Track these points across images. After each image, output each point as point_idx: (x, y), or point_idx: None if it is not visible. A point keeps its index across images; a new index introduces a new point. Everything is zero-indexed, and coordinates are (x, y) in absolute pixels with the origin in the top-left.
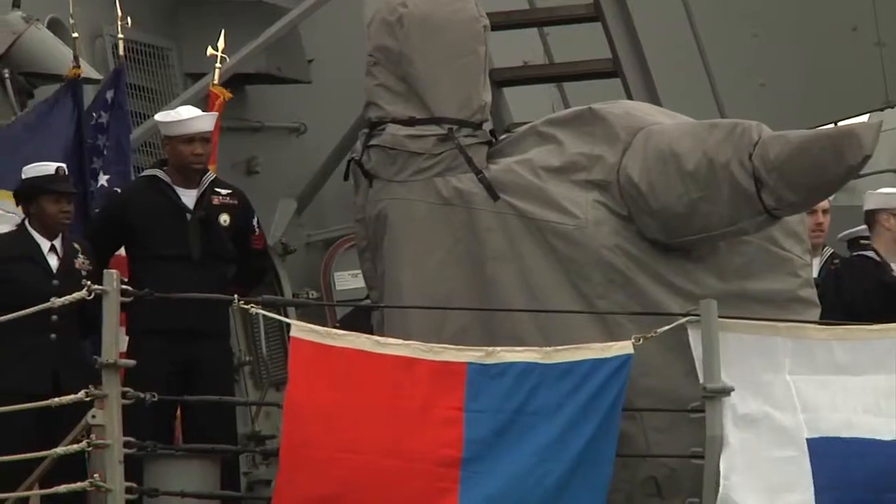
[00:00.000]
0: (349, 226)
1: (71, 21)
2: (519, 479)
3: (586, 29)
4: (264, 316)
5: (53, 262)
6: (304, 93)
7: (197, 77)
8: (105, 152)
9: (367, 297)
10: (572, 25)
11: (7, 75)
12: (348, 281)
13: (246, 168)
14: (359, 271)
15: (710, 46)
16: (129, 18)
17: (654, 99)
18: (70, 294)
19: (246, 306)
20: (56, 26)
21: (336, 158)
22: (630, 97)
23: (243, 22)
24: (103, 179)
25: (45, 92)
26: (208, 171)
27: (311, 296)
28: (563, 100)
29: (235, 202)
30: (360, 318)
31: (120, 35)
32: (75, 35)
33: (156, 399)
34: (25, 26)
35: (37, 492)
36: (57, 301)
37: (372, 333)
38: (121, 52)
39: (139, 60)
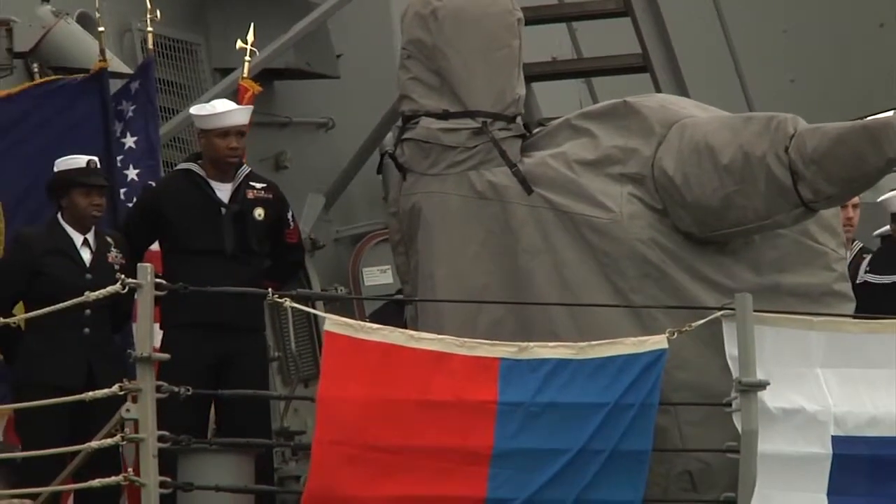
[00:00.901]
0: (377, 221)
1: (97, 14)
2: (552, 474)
3: (614, 24)
4: (293, 311)
5: (87, 256)
6: (332, 88)
7: (225, 72)
8: (123, 141)
9: (398, 291)
10: (600, 21)
11: (36, 69)
12: (377, 276)
13: (274, 163)
14: (387, 267)
15: (738, 42)
16: (158, 12)
17: (683, 94)
18: (103, 288)
19: (280, 300)
20: (85, 20)
21: (364, 154)
22: (659, 92)
23: (272, 17)
24: (133, 174)
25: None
26: (243, 164)
27: (339, 291)
28: (592, 95)
29: (270, 196)
30: (390, 314)
31: (149, 28)
32: (101, 28)
33: (190, 393)
34: (55, 20)
35: (71, 486)
36: (91, 295)
37: (404, 328)
38: (150, 45)
39: (167, 55)
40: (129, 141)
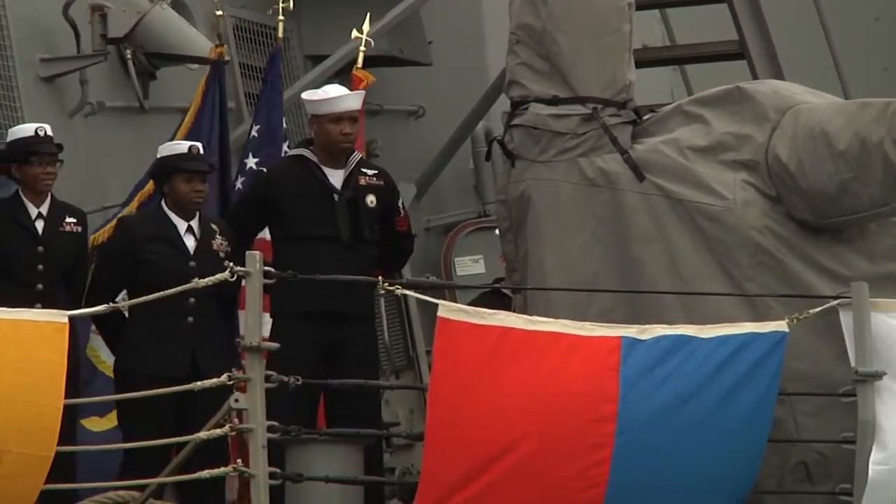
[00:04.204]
0: (468, 210)
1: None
2: (672, 451)
3: (704, 11)
4: (385, 302)
5: (190, 242)
6: (422, 75)
7: (316, 59)
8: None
9: (496, 280)
10: (692, 7)
11: (129, 56)
12: (469, 266)
13: (365, 151)
14: (479, 256)
15: (833, 29)
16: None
17: None
18: (207, 276)
19: (391, 288)
20: (179, 6)
21: (455, 142)
22: (756, 79)
23: (362, 4)
24: (252, 162)
25: (166, 73)
26: (355, 151)
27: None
28: (686, 82)
29: (381, 183)
30: (485, 305)
31: (281, 17)
32: (219, 13)
33: (300, 383)
34: (150, 6)
35: (181, 477)
36: (200, 282)
37: None
38: (280, 32)
39: (257, 42)
40: (252, 129)
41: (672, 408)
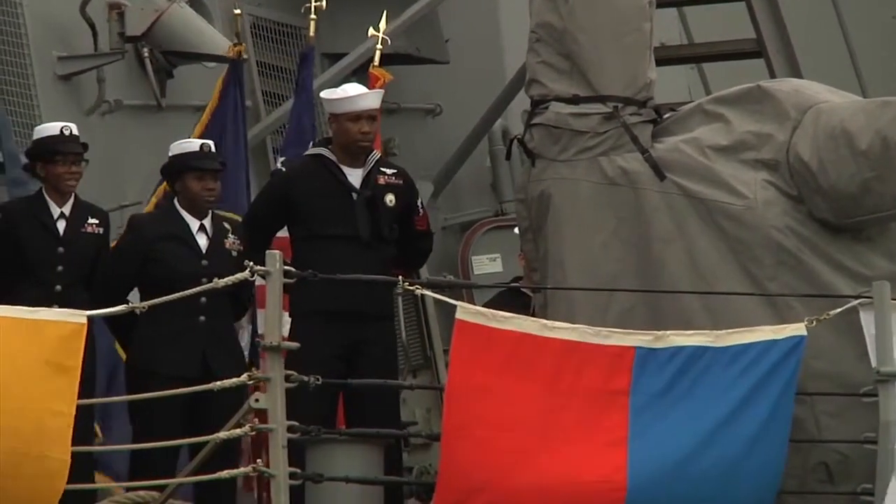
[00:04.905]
0: (485, 209)
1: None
2: (687, 462)
3: (721, 9)
4: (403, 300)
5: (202, 241)
6: (439, 74)
7: (333, 57)
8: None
9: (514, 279)
10: (709, 5)
11: (146, 54)
12: (486, 265)
13: (382, 150)
14: (497, 255)
15: (850, 27)
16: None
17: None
18: (220, 275)
19: (411, 288)
20: (197, 4)
21: (472, 140)
22: (773, 78)
23: (379, 2)
24: (277, 163)
25: (183, 71)
26: (374, 150)
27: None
28: (703, 81)
29: (400, 182)
30: (504, 304)
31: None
32: (238, 11)
33: (320, 382)
34: (168, 4)
35: (200, 477)
36: (219, 282)
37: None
38: (311, 32)
39: (274, 40)
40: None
41: (684, 428)
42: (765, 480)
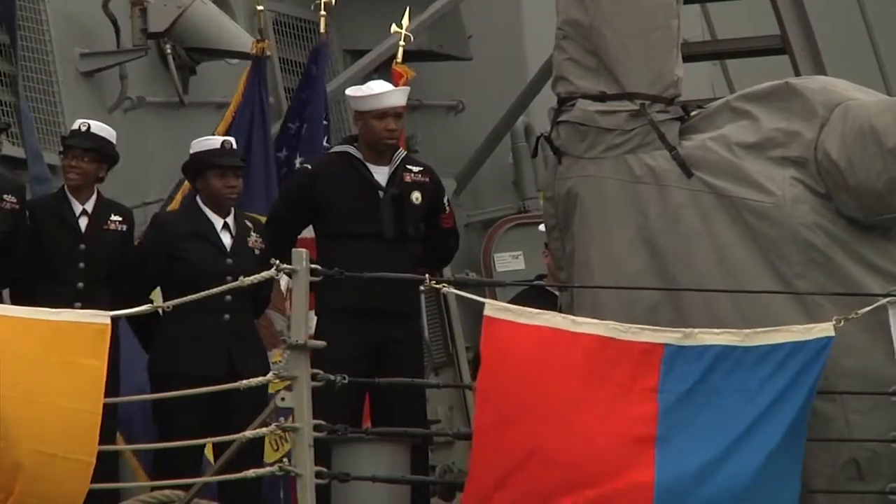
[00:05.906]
0: (508, 206)
1: None
2: (715, 461)
3: (748, 5)
4: (425, 298)
5: (227, 240)
6: (461, 70)
7: (355, 54)
8: (290, 126)
9: (538, 277)
10: (732, 2)
11: (169, 51)
12: (509, 262)
13: (404, 147)
14: (519, 252)
15: (875, 24)
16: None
17: None
18: (244, 274)
19: (438, 286)
20: (219, 1)
21: (495, 137)
22: (797, 75)
23: None
24: (298, 161)
25: (206, 68)
26: (399, 147)
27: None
28: (727, 78)
29: (427, 179)
30: (528, 302)
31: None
32: (260, 7)
33: (346, 381)
34: (191, 0)
35: (226, 476)
36: (245, 281)
37: None
38: (322, 29)
39: (295, 36)
40: (292, 127)
41: (711, 428)
42: (787, 486)
